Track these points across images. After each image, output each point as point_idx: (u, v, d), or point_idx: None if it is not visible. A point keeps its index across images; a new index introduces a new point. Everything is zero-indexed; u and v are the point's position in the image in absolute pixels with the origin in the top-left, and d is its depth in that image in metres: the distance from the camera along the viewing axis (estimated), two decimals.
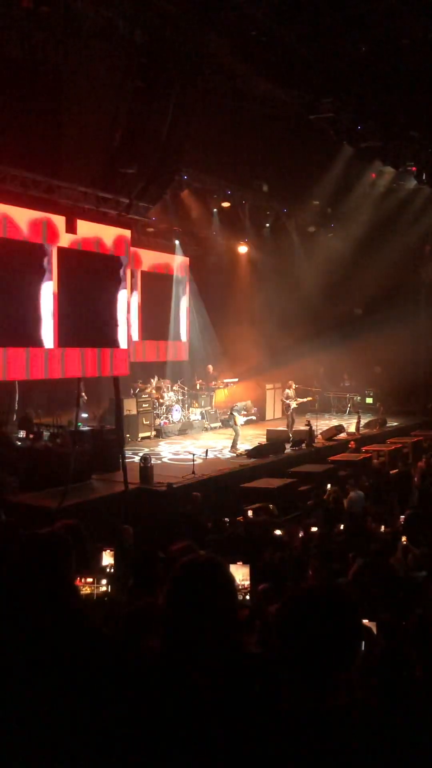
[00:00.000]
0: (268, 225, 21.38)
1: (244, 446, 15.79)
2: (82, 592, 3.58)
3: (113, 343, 14.54)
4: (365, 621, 3.29)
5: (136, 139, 13.76)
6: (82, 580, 3.64)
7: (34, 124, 12.22)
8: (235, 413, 16.15)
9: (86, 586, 3.70)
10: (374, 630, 3.59)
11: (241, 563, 4.78)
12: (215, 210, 19.45)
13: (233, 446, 15.69)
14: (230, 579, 1.94)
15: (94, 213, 13.83)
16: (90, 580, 3.71)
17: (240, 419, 16.27)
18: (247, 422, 19.01)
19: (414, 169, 18.59)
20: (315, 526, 9.39)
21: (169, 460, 14.80)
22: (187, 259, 20.00)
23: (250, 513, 10.60)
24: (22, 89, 11.87)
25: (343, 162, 18.56)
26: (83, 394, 14.22)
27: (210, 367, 20.25)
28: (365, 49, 13.55)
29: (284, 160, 18.21)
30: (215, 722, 1.69)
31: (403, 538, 7.62)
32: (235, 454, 15.37)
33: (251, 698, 1.75)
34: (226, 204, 19.13)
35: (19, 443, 13.36)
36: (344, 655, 1.67)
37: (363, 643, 1.79)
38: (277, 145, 17.59)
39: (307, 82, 14.62)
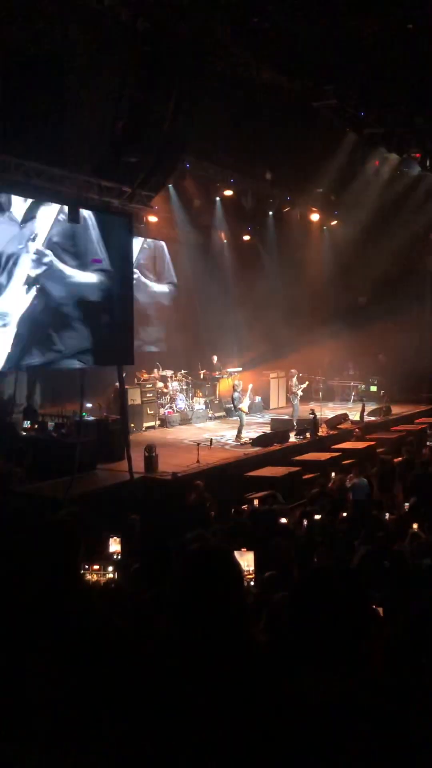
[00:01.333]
0: (271, 213, 21.30)
1: (248, 434, 15.80)
2: (88, 579, 3.61)
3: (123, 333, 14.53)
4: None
5: (139, 128, 13.69)
6: (89, 567, 3.67)
7: (36, 112, 12.17)
8: (235, 402, 16.13)
9: (93, 573, 3.72)
10: (381, 614, 3.60)
11: (245, 549, 4.80)
12: (218, 198, 19.39)
13: (238, 435, 15.71)
14: (237, 566, 1.95)
15: (96, 202, 13.80)
16: (96, 567, 3.73)
17: (245, 404, 16.21)
18: (254, 408, 18.92)
19: (418, 155, 18.47)
20: (319, 513, 9.41)
21: (174, 449, 14.82)
22: (190, 247, 19.96)
23: (255, 502, 10.62)
24: (24, 78, 11.82)
25: (346, 149, 18.44)
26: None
27: (214, 357, 20.26)
28: (368, 34, 13.44)
29: (287, 148, 18.08)
30: (224, 710, 1.70)
31: (415, 525, 7.64)
32: (239, 443, 15.39)
33: (260, 685, 1.76)
34: (229, 192, 19.07)
35: (25, 433, 13.41)
36: (354, 636, 1.68)
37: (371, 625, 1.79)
38: (281, 132, 17.46)
39: (310, 68, 14.53)
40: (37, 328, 11.94)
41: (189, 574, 1.90)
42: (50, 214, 12.36)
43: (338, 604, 1.67)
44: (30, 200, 12.09)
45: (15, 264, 11.70)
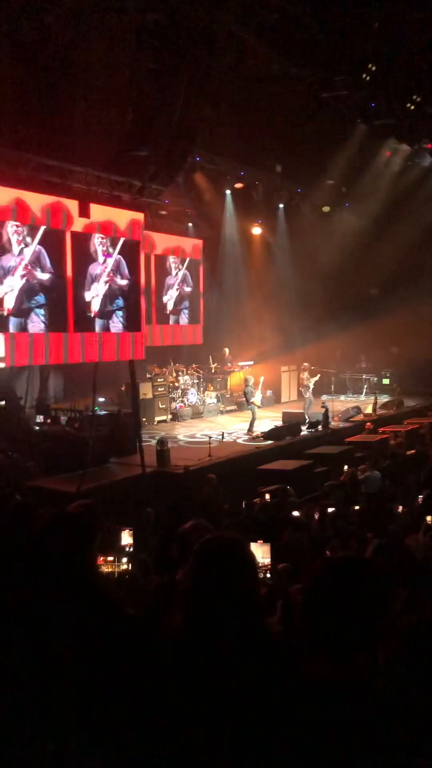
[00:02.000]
0: (281, 205, 21.23)
1: (260, 428, 15.80)
2: (103, 570, 3.63)
3: (134, 327, 14.60)
4: None
5: (149, 122, 13.68)
6: (103, 558, 3.70)
7: (46, 108, 12.19)
8: (247, 395, 16.12)
9: (107, 565, 3.75)
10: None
11: (261, 541, 4.82)
12: (228, 191, 19.35)
13: (250, 428, 15.71)
14: (252, 558, 1.95)
15: (107, 197, 13.82)
16: (111, 558, 3.77)
17: (257, 398, 16.19)
18: (266, 402, 18.92)
19: (429, 146, 18.35)
20: (333, 506, 9.40)
21: (186, 443, 14.86)
22: (201, 241, 19.94)
23: (267, 495, 10.63)
24: (33, 73, 11.83)
25: (357, 140, 18.34)
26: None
27: (226, 350, 20.24)
28: (378, 24, 13.34)
29: (297, 140, 18.01)
30: (238, 700, 1.71)
31: (428, 518, 7.61)
32: (250, 436, 15.40)
33: (273, 674, 1.77)
34: (239, 185, 19.01)
35: (37, 428, 13.48)
36: (371, 626, 1.68)
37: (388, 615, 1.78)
38: (291, 124, 17.40)
39: (320, 59, 14.45)
40: None
41: (202, 564, 1.90)
42: None
43: (354, 595, 1.68)
44: None
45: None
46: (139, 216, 14.74)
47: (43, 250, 12.83)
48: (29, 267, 12.57)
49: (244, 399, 16.64)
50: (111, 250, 14.21)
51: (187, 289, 19.53)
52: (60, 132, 12.69)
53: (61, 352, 13.29)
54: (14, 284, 12.35)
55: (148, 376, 17.26)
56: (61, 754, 1.92)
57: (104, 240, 14.04)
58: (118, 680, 2.02)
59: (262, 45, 13.83)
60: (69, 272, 13.32)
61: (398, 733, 1.63)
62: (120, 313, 14.46)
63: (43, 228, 12.75)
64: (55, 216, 12.98)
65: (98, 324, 14.00)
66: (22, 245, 12.45)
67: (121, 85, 13.24)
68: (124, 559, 3.92)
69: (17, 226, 12.33)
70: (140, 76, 13.22)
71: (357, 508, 9.68)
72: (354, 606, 1.66)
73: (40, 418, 13.92)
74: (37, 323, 12.79)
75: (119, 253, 14.38)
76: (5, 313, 12.15)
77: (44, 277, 12.88)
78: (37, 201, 12.60)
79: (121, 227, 14.29)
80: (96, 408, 13.23)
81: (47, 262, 12.94)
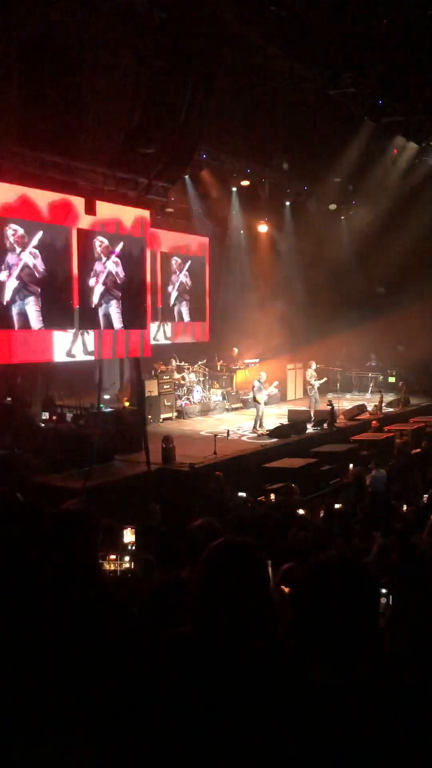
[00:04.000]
0: (288, 203, 21.19)
1: (265, 426, 15.78)
2: (105, 568, 3.63)
3: (140, 325, 14.59)
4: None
5: (155, 119, 13.67)
6: (106, 557, 3.70)
7: (52, 105, 12.19)
8: (254, 391, 16.11)
9: (110, 563, 3.75)
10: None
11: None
12: (235, 189, 19.32)
13: (255, 426, 15.71)
14: (265, 563, 1.92)
15: (113, 194, 13.81)
16: (113, 557, 3.77)
17: (262, 396, 16.17)
18: (271, 400, 18.91)
19: None
20: (337, 505, 9.39)
21: (191, 440, 14.85)
22: (207, 239, 19.93)
23: (272, 494, 10.63)
24: (40, 71, 11.83)
25: (364, 138, 18.29)
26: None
27: (235, 349, 20.24)
28: (387, 21, 13.29)
29: (304, 137, 17.98)
30: (245, 705, 1.70)
31: None
32: (256, 434, 15.39)
33: (286, 681, 1.75)
34: (245, 183, 18.99)
35: (43, 425, 13.50)
36: (363, 625, 1.66)
37: (378, 614, 1.77)
38: (297, 122, 17.36)
39: (328, 57, 14.42)
40: None
41: (214, 568, 1.88)
42: None
43: (340, 597, 1.66)
44: None
45: None
46: (145, 213, 14.72)
47: (47, 248, 12.81)
48: (33, 264, 12.55)
49: (252, 394, 16.61)
50: (117, 247, 14.21)
51: (193, 287, 19.51)
52: (67, 129, 12.69)
53: (66, 349, 13.29)
54: (12, 282, 12.32)
55: (153, 373, 17.26)
56: (61, 755, 1.91)
57: (110, 237, 14.03)
58: (121, 679, 2.01)
59: (270, 42, 13.80)
60: (74, 269, 13.31)
61: (400, 737, 1.62)
62: (126, 310, 14.45)
63: (46, 224, 12.72)
64: (62, 213, 12.97)
65: (103, 321, 13.99)
66: (25, 241, 12.42)
67: (128, 83, 13.23)
68: (127, 558, 3.92)
69: (20, 222, 12.31)
70: (147, 73, 13.21)
71: (362, 506, 9.66)
72: (341, 608, 1.64)
73: (45, 415, 13.94)
74: (39, 321, 12.77)
75: (125, 251, 14.37)
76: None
77: (44, 273, 12.83)
78: (43, 198, 12.59)
79: (127, 225, 14.28)
80: (101, 405, 13.24)
81: (51, 260, 12.91)
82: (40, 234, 12.51)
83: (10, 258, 12.12)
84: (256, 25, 13.23)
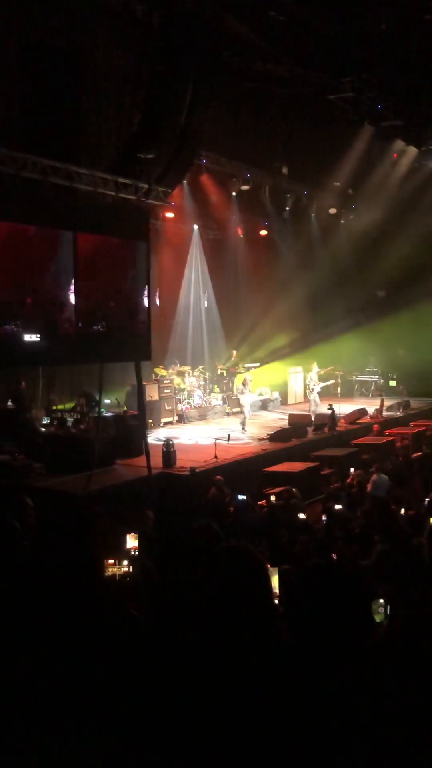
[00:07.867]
0: (288, 208, 21.21)
1: (264, 431, 15.77)
2: (106, 572, 3.63)
3: (140, 329, 14.56)
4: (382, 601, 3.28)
5: (155, 124, 13.70)
6: (107, 561, 3.70)
7: (52, 110, 12.22)
8: (238, 393, 16.23)
9: (109, 567, 3.75)
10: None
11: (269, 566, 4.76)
12: (234, 194, 19.34)
13: (242, 427, 15.80)
14: (266, 569, 1.93)
15: (113, 198, 13.82)
16: (111, 561, 3.77)
17: (245, 398, 16.23)
18: (263, 404, 18.97)
19: None
20: (339, 509, 9.38)
21: (192, 444, 14.84)
22: (207, 243, 19.94)
23: (272, 497, 10.62)
24: (40, 75, 11.86)
25: (364, 142, 18.32)
26: None
27: (234, 352, 20.25)
28: (386, 26, 13.33)
29: (304, 142, 18.04)
30: (251, 706, 1.69)
31: None
32: (245, 436, 15.41)
33: (288, 684, 1.74)
34: (245, 187, 19.01)
35: (43, 429, 13.49)
36: (353, 631, 1.66)
37: (371, 618, 1.77)
38: (297, 126, 17.41)
39: (327, 61, 14.45)
40: None
41: (215, 574, 1.88)
42: None
43: (331, 601, 1.66)
44: None
45: None
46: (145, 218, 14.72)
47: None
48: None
49: (237, 396, 16.68)
50: (116, 251, 14.20)
51: (193, 291, 19.53)
52: (66, 134, 12.72)
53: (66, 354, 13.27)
54: None
55: (154, 377, 17.26)
56: (61, 755, 1.91)
57: (110, 241, 14.03)
58: (124, 681, 2.01)
59: (269, 47, 13.84)
60: (74, 273, 13.30)
61: (398, 737, 1.62)
62: (126, 314, 14.44)
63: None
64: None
65: (103, 325, 13.97)
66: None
67: (128, 87, 13.28)
68: (125, 562, 3.92)
69: None
70: (147, 78, 13.25)
71: (363, 510, 9.65)
72: (331, 612, 1.65)
73: (46, 419, 13.93)
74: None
75: (125, 255, 14.37)
76: None
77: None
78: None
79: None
80: (102, 410, 13.23)
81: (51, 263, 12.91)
82: None
83: None
84: (255, 30, 13.26)
